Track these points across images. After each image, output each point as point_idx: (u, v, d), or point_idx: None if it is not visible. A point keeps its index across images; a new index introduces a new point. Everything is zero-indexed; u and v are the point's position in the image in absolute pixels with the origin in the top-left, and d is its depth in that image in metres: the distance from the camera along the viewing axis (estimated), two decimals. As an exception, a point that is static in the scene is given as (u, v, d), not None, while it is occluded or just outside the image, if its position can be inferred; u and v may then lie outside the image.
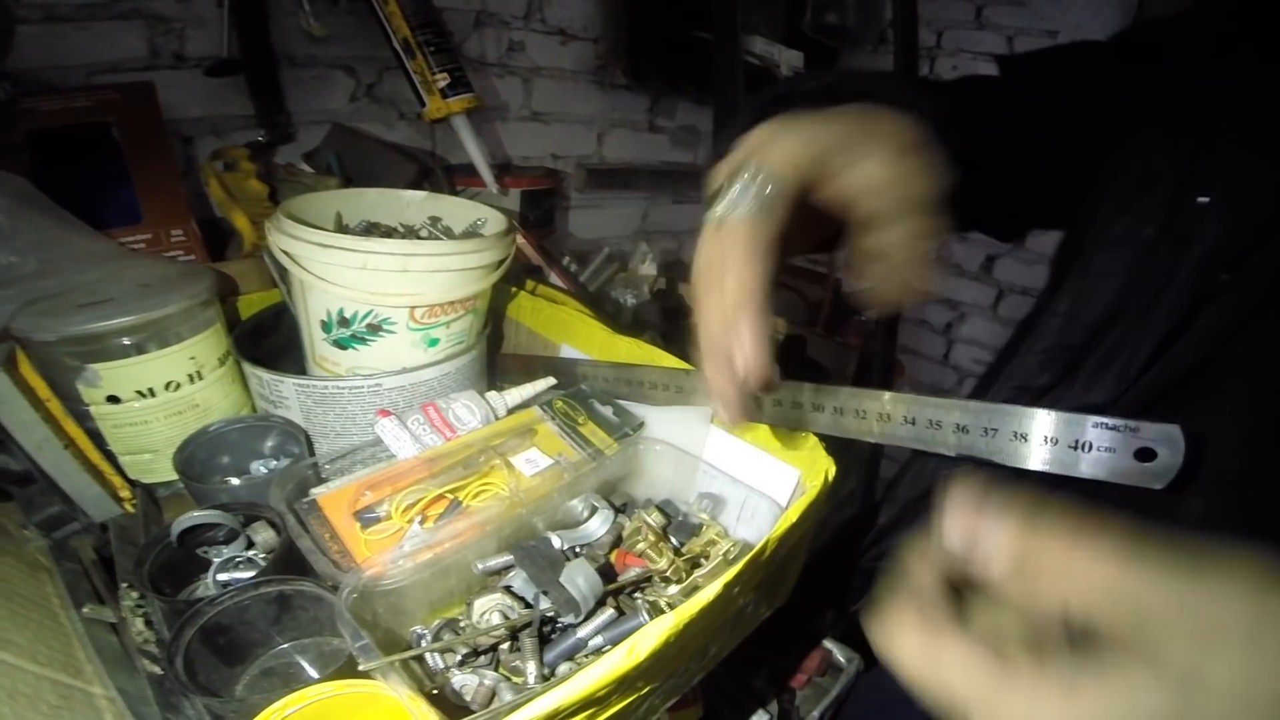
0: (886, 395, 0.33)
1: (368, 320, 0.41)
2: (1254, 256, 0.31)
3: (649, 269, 0.77)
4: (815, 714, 0.48)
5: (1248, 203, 0.31)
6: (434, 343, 0.44)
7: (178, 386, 0.42)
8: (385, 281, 0.40)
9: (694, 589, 0.34)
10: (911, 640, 0.17)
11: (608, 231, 1.15)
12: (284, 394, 0.43)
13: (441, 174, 0.69)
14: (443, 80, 0.64)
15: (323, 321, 0.42)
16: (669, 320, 0.70)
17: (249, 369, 0.44)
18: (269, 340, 0.50)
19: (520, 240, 0.49)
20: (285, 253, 0.41)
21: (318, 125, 0.76)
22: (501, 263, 0.44)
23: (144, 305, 0.41)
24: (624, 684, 0.24)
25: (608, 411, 0.46)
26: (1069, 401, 0.37)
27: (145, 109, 0.61)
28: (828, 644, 0.53)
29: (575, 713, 0.23)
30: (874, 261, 0.27)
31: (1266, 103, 0.32)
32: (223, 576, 0.35)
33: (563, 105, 1.00)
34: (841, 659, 0.52)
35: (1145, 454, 0.26)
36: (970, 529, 0.17)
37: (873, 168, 0.26)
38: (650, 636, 0.24)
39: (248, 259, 0.55)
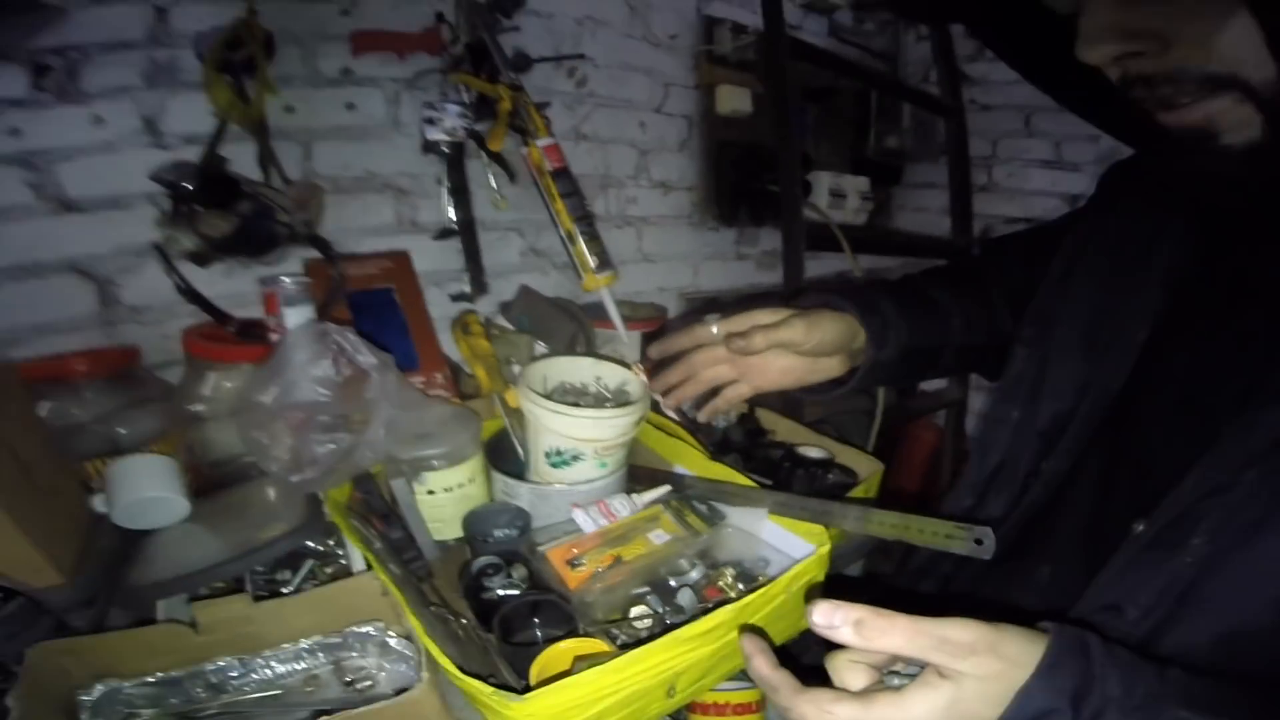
0: (852, 508, 0.65)
1: (572, 453, 0.78)
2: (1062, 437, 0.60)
3: None
4: None
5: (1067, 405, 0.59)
6: (604, 465, 0.79)
7: (461, 486, 0.80)
8: (584, 433, 0.76)
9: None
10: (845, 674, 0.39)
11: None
12: (520, 492, 0.80)
13: (589, 329, 1.06)
14: (594, 262, 1.01)
15: (546, 453, 0.79)
16: (751, 439, 1.01)
17: (497, 475, 0.82)
18: (495, 451, 0.88)
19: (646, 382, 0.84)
20: (528, 409, 0.78)
21: (500, 277, 1.17)
22: (643, 417, 0.79)
23: (448, 440, 0.79)
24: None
25: (703, 508, 0.79)
26: (980, 514, 0.66)
27: (409, 273, 1.02)
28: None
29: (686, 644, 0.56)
30: None
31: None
32: (501, 592, 0.71)
33: (665, 246, 1.37)
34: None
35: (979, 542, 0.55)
36: (828, 621, 0.37)
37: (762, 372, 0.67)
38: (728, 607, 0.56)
39: (483, 398, 0.94)
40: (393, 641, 0.63)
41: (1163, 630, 0.43)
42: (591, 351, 1.01)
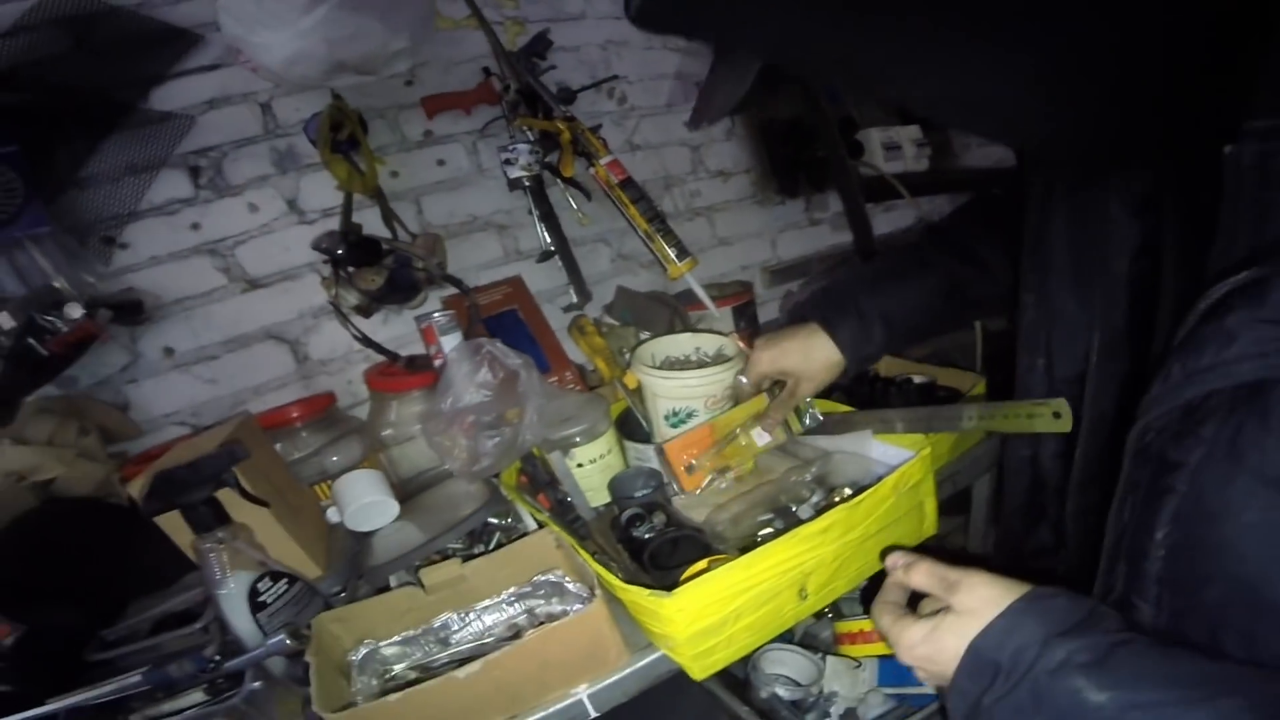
0: (942, 410, 0.74)
1: (686, 411, 0.91)
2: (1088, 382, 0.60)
3: None
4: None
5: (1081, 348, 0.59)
6: (717, 416, 0.93)
7: (602, 456, 0.96)
8: (694, 390, 0.90)
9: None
10: (879, 612, 0.54)
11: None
12: (649, 455, 0.94)
13: (683, 312, 1.20)
14: (674, 251, 1.15)
15: (665, 415, 0.93)
16: (855, 379, 1.11)
17: (630, 444, 0.97)
18: (624, 426, 1.03)
19: (741, 346, 0.97)
20: (644, 382, 0.93)
21: (598, 284, 1.32)
22: (741, 370, 0.92)
23: (586, 421, 0.95)
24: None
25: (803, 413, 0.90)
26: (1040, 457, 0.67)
27: (525, 293, 1.22)
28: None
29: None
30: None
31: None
32: (647, 535, 0.86)
33: (738, 228, 1.49)
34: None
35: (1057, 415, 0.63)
36: (892, 563, 0.54)
37: (797, 385, 0.75)
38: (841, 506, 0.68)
39: (607, 385, 1.10)
40: (569, 585, 0.79)
41: (1174, 623, 0.44)
42: (688, 327, 1.14)
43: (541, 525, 0.86)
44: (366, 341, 1.06)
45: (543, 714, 0.66)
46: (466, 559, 0.82)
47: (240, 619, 0.74)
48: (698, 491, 0.85)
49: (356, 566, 0.90)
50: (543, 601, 0.81)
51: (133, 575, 0.92)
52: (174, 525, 0.75)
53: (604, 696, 0.68)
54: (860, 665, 0.95)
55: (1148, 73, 0.38)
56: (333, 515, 0.96)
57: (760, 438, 0.87)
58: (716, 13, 0.39)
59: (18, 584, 0.82)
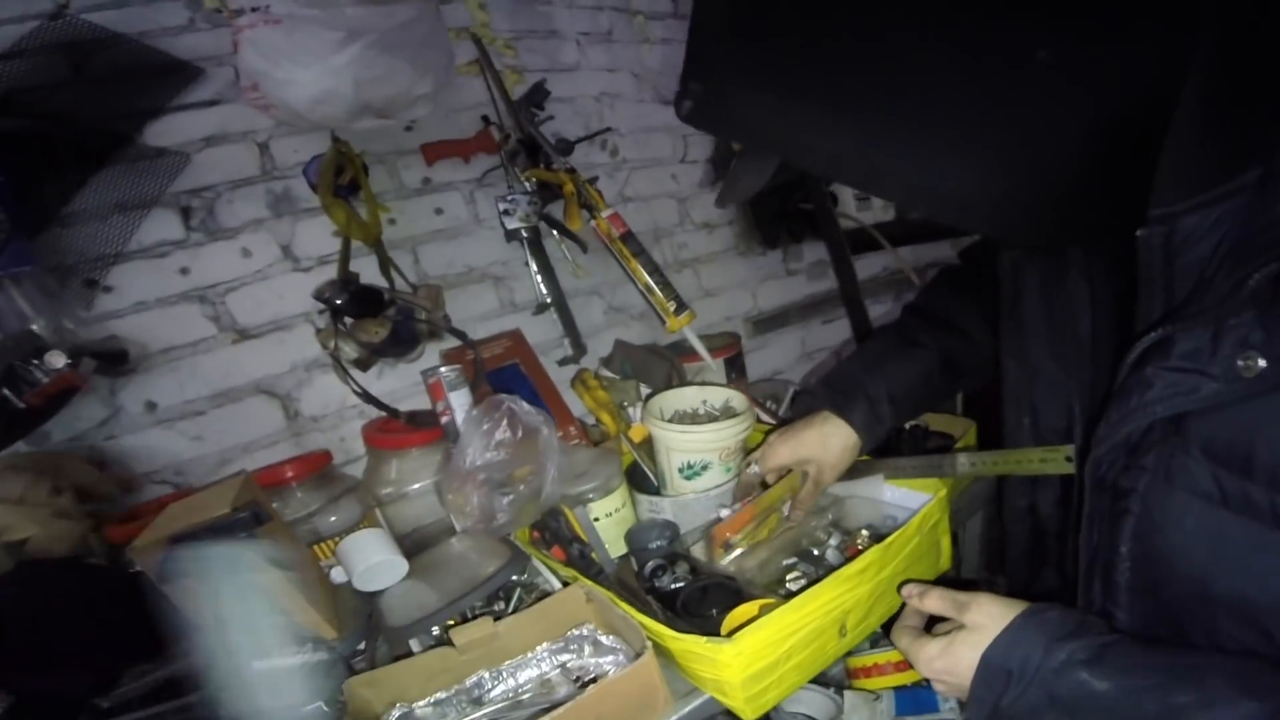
0: (957, 457, 0.80)
1: (701, 464, 0.94)
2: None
3: None
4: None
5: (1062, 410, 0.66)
6: (728, 469, 0.95)
7: (617, 510, 0.97)
8: (711, 444, 0.93)
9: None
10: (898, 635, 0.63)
11: (779, 363, 1.66)
12: (664, 507, 0.96)
13: (679, 365, 1.24)
14: (673, 305, 1.19)
15: (679, 468, 0.96)
16: None
17: (640, 497, 0.99)
18: (632, 479, 1.05)
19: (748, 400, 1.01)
20: (657, 436, 0.95)
21: (591, 336, 1.34)
22: (752, 424, 0.96)
23: (599, 476, 0.96)
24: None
25: None
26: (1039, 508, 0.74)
27: (525, 346, 1.22)
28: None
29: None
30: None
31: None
32: (673, 585, 0.87)
33: (722, 279, 1.55)
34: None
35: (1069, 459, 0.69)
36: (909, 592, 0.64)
37: (820, 473, 0.81)
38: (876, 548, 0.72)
39: (610, 440, 1.12)
40: (603, 639, 0.79)
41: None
42: (685, 381, 1.18)
43: (566, 583, 0.86)
44: (367, 397, 1.05)
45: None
46: (497, 618, 0.82)
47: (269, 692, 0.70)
48: (726, 561, 0.87)
49: (372, 628, 0.88)
50: (573, 656, 0.81)
51: (124, 641, 0.84)
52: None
53: None
54: (879, 698, 0.98)
55: (1091, 169, 0.47)
56: (338, 575, 0.93)
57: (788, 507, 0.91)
58: (744, 129, 0.55)
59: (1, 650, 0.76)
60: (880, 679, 1.00)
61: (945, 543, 0.85)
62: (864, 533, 0.87)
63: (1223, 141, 0.43)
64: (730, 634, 0.65)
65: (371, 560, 0.90)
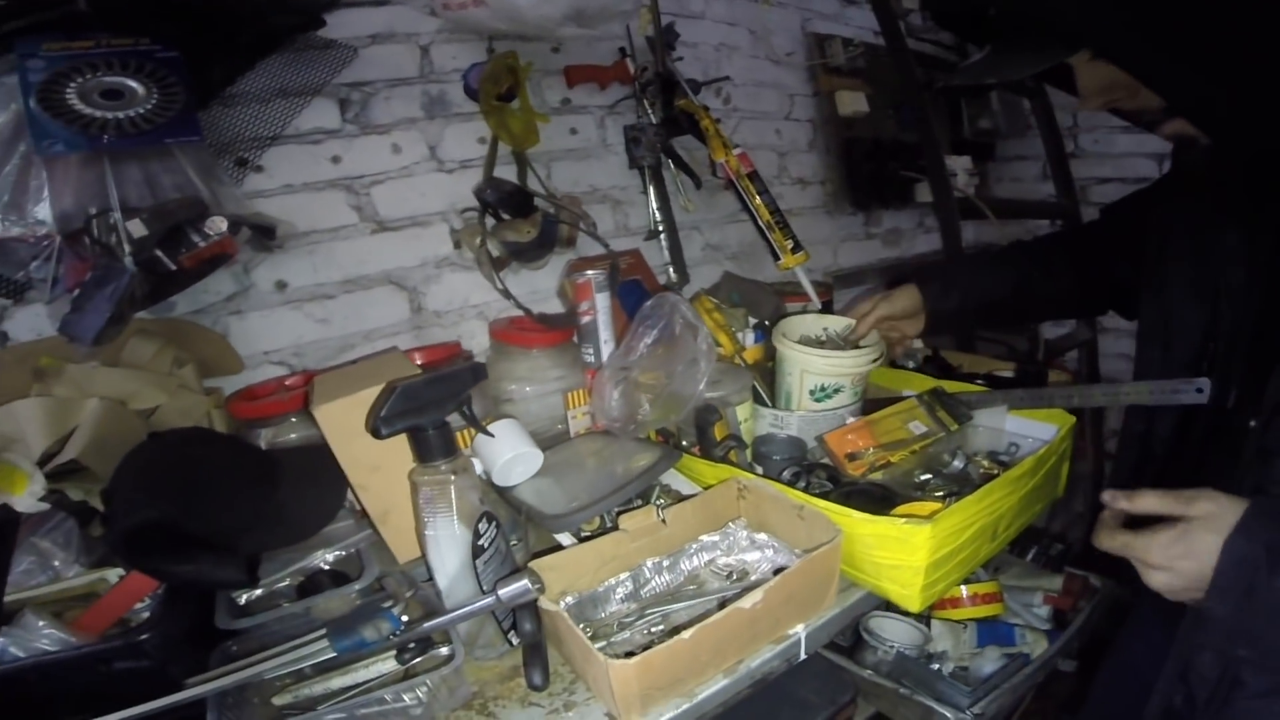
0: (1094, 388, 0.87)
1: (834, 387, 0.99)
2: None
3: (916, 342, 1.33)
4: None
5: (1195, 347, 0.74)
6: (856, 393, 1.00)
7: (746, 421, 1.02)
8: (849, 369, 0.98)
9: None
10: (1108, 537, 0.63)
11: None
12: (791, 421, 1.01)
13: (780, 302, 1.29)
14: (790, 245, 1.24)
15: (810, 390, 1.00)
16: (944, 373, 1.22)
17: (765, 411, 1.03)
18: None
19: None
20: (790, 357, 1.00)
21: (690, 268, 1.39)
22: (881, 355, 1.01)
23: (733, 385, 1.01)
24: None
25: (952, 405, 1.00)
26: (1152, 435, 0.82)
27: (645, 265, 1.25)
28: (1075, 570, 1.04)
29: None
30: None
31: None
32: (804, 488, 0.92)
33: (809, 234, 1.59)
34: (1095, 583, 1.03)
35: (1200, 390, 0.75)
36: (1117, 500, 0.64)
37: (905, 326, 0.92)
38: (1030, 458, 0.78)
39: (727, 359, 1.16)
40: (758, 536, 0.81)
41: None
42: (826, 308, 1.23)
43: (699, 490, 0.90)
44: (507, 293, 1.07)
45: (764, 658, 0.68)
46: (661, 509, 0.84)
47: (456, 568, 0.68)
48: (860, 475, 0.91)
49: (516, 519, 0.90)
50: (722, 554, 0.83)
51: (267, 525, 0.80)
52: (364, 455, 0.71)
53: (817, 636, 0.71)
54: (965, 627, 1.05)
55: None
56: (474, 466, 0.94)
57: (917, 429, 0.96)
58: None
59: (147, 532, 0.67)
60: (963, 609, 1.07)
61: (1064, 470, 0.91)
62: (984, 458, 0.93)
63: None
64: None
65: (517, 450, 0.92)
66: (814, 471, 0.93)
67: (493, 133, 1.09)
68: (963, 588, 1.08)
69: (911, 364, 1.25)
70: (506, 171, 1.14)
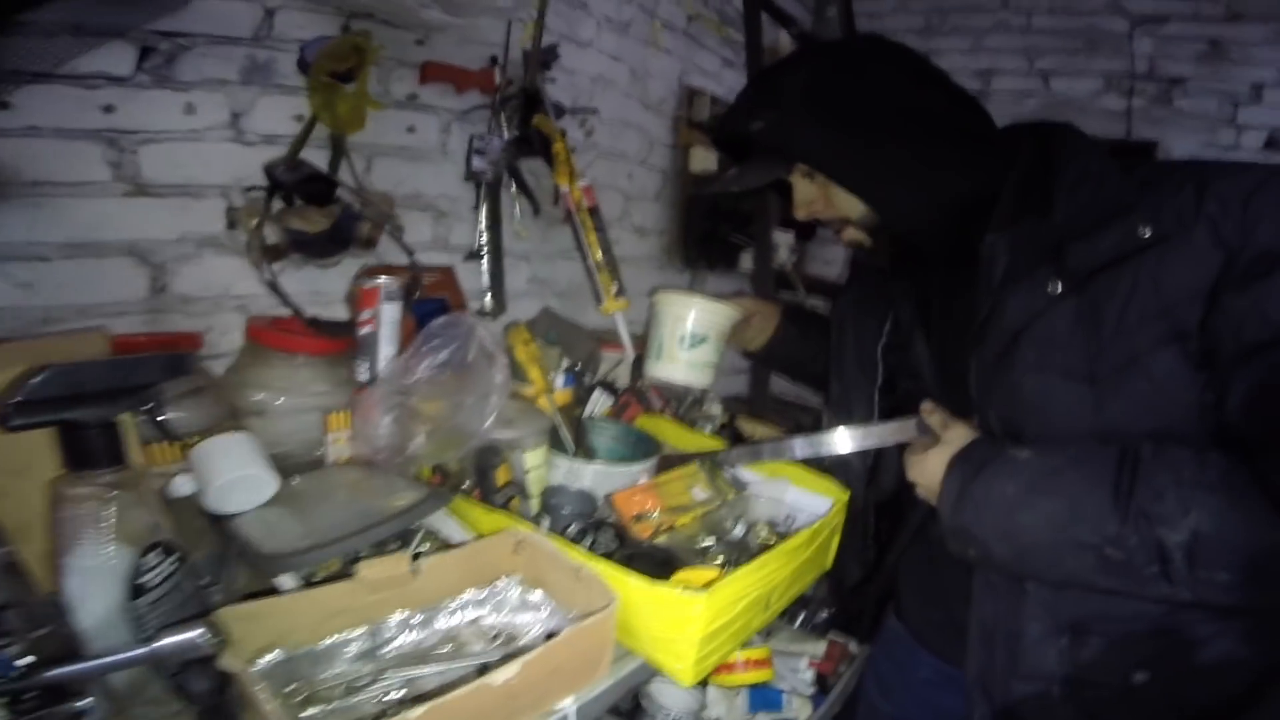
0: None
1: (701, 335, 0.97)
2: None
3: (715, 408, 1.36)
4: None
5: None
6: (718, 351, 1.00)
7: (537, 468, 0.93)
8: (717, 320, 0.94)
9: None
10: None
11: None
12: (584, 474, 0.95)
13: (597, 348, 1.24)
14: (614, 289, 1.20)
15: (681, 337, 0.97)
16: (736, 441, 1.25)
17: (561, 460, 0.96)
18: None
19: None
20: (665, 305, 0.94)
21: (510, 300, 1.29)
22: (740, 316, 1.00)
23: (528, 427, 0.92)
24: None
25: (729, 476, 0.99)
26: None
27: (455, 285, 1.14)
28: (837, 637, 1.07)
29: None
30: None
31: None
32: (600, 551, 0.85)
33: (635, 284, 1.58)
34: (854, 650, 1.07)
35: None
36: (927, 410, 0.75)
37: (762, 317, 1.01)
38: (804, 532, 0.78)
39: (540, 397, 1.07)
40: (532, 595, 0.73)
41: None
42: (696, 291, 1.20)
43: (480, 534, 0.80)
44: (274, 287, 0.91)
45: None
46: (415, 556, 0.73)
47: (105, 608, 0.54)
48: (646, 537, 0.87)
49: (228, 555, 0.73)
50: (490, 611, 0.74)
51: None
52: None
53: (589, 710, 0.65)
54: (738, 693, 1.04)
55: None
56: (183, 486, 0.76)
57: (699, 494, 0.94)
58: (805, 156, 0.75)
59: None
60: (737, 675, 1.07)
61: (834, 542, 0.94)
62: (764, 526, 0.93)
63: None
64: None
65: (238, 472, 0.74)
66: (602, 529, 0.87)
67: (313, 112, 0.95)
68: (738, 653, 1.07)
69: (709, 427, 1.26)
70: (319, 157, 0.99)
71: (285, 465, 0.89)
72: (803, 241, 1.92)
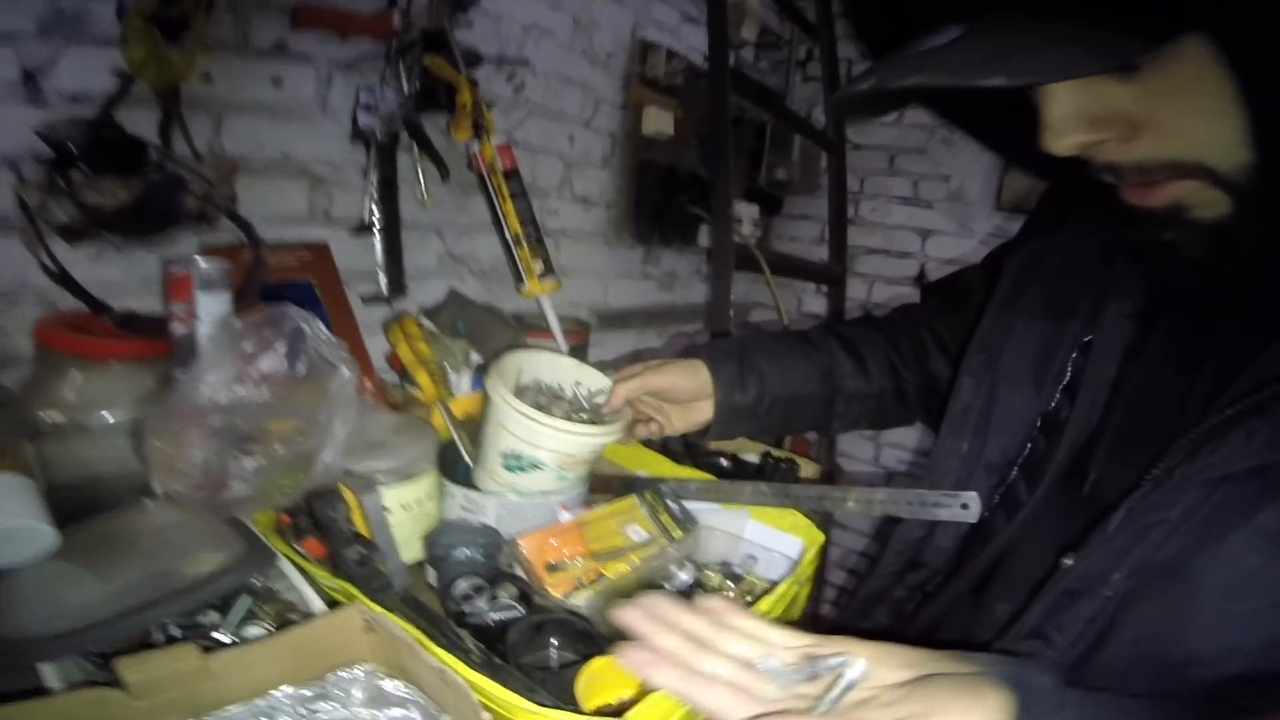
0: (850, 491, 0.71)
1: (531, 461, 0.72)
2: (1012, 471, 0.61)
3: None
4: None
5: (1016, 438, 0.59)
6: (563, 479, 0.74)
7: (420, 503, 0.73)
8: (549, 443, 0.71)
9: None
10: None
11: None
12: (486, 507, 0.74)
13: (522, 339, 1.03)
14: (538, 267, 0.99)
15: (502, 453, 0.72)
16: (689, 448, 1.03)
17: (455, 489, 0.75)
18: (444, 465, 0.81)
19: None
20: (496, 405, 0.72)
21: (415, 280, 1.07)
22: (617, 439, 0.77)
23: (403, 452, 0.72)
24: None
25: (676, 508, 0.79)
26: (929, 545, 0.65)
27: (329, 266, 0.91)
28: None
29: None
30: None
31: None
32: (495, 615, 0.65)
33: (580, 261, 1.37)
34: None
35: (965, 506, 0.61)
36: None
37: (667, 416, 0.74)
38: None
39: (418, 409, 0.86)
40: (388, 686, 0.55)
41: (1087, 657, 0.46)
42: (577, 354, 0.97)
43: (333, 601, 0.60)
44: (62, 278, 0.69)
45: None
46: (208, 646, 0.54)
47: None
48: (561, 594, 0.67)
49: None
50: (335, 709, 0.55)
51: None
52: None
53: None
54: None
55: None
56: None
57: (636, 534, 0.74)
58: None
59: None
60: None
61: (804, 594, 0.75)
62: (713, 568, 0.74)
63: None
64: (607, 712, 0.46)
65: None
66: (501, 584, 0.67)
67: (131, 69, 0.73)
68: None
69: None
70: (146, 119, 0.77)
71: (101, 498, 0.69)
72: (768, 216, 1.70)
